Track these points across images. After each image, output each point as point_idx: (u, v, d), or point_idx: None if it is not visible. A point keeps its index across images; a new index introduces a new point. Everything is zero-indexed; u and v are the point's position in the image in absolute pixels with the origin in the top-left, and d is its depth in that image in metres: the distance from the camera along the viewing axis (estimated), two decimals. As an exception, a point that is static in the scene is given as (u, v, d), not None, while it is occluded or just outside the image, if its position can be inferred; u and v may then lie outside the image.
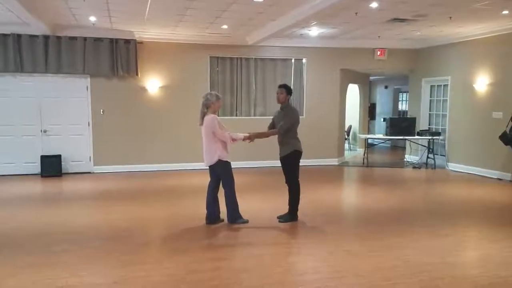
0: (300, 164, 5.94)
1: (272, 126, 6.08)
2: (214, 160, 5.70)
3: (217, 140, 5.65)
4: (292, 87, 6.81)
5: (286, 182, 5.96)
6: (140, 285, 3.90)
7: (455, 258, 4.70)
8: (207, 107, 5.69)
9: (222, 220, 5.92)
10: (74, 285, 3.90)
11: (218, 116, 5.86)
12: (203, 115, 5.70)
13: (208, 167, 5.88)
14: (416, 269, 4.29)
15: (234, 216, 5.83)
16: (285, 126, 5.76)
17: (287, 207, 5.99)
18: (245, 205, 6.06)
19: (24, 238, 5.32)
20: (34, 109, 9.72)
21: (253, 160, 10.72)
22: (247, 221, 5.85)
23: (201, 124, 5.73)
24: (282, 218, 5.96)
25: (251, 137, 5.87)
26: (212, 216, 5.87)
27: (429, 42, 11.20)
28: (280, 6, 7.42)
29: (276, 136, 5.91)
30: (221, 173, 5.79)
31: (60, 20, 8.91)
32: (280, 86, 5.95)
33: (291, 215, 5.95)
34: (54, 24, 9.23)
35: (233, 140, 5.75)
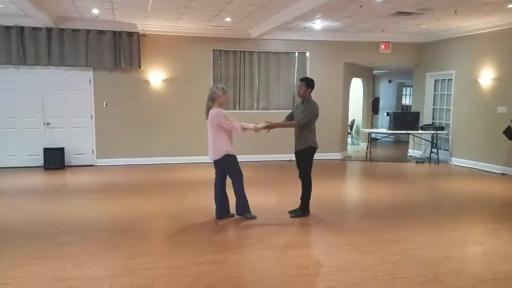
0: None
1: (290, 118, 6.01)
2: (220, 154, 5.56)
3: (223, 134, 5.50)
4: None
5: (299, 177, 5.92)
6: (143, 277, 3.91)
7: (459, 253, 4.69)
8: (212, 100, 5.54)
9: (233, 215, 5.82)
10: (78, 277, 3.90)
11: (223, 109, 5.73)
12: (208, 109, 5.55)
13: (212, 162, 5.76)
14: (419, 263, 4.28)
15: (243, 209, 5.73)
16: (303, 120, 5.68)
17: (297, 201, 5.98)
18: (251, 200, 6.00)
19: (27, 230, 5.34)
20: (37, 101, 9.72)
21: (261, 153, 10.61)
22: (255, 217, 5.74)
23: (207, 118, 5.56)
24: (294, 213, 5.91)
25: (268, 127, 5.72)
26: (222, 211, 5.77)
27: (434, 36, 11.12)
28: (284, -2, 7.38)
29: (288, 129, 5.88)
30: (228, 167, 5.65)
31: (63, 13, 8.89)
32: (301, 80, 5.91)
33: (303, 210, 5.91)
34: (57, 17, 9.20)
35: (244, 129, 5.55)
